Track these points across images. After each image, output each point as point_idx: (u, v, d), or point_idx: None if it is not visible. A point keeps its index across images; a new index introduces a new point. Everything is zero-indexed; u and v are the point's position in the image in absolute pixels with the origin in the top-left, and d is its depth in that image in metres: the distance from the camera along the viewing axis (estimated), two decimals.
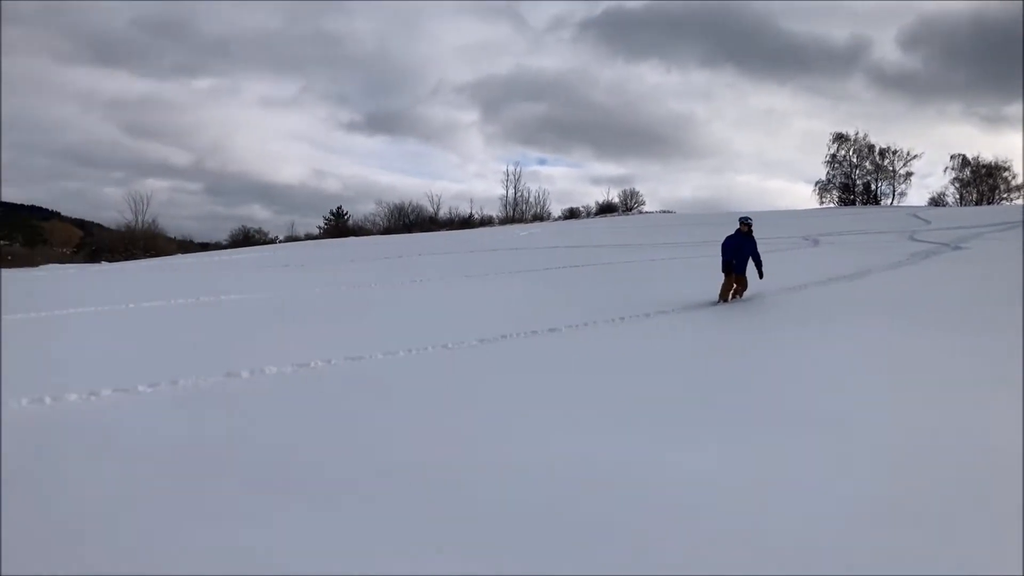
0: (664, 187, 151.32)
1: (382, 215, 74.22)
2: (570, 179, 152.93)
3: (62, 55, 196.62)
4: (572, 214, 75.53)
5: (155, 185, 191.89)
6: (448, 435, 5.87)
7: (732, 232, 13.69)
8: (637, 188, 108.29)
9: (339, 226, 72.96)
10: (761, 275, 13.60)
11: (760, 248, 13.71)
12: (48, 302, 15.93)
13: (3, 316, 13.70)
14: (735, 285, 13.36)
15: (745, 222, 13.66)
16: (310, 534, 3.99)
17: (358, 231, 67.89)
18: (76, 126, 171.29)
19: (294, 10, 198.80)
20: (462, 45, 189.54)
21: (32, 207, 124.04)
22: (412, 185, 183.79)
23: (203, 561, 3.69)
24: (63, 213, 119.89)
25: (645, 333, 10.82)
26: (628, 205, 77.40)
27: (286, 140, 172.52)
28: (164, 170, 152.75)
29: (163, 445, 5.65)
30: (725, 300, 13.33)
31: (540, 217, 74.29)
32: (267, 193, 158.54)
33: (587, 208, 78.16)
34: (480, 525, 4.12)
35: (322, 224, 76.62)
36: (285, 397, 7.27)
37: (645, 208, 76.05)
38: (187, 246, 67.64)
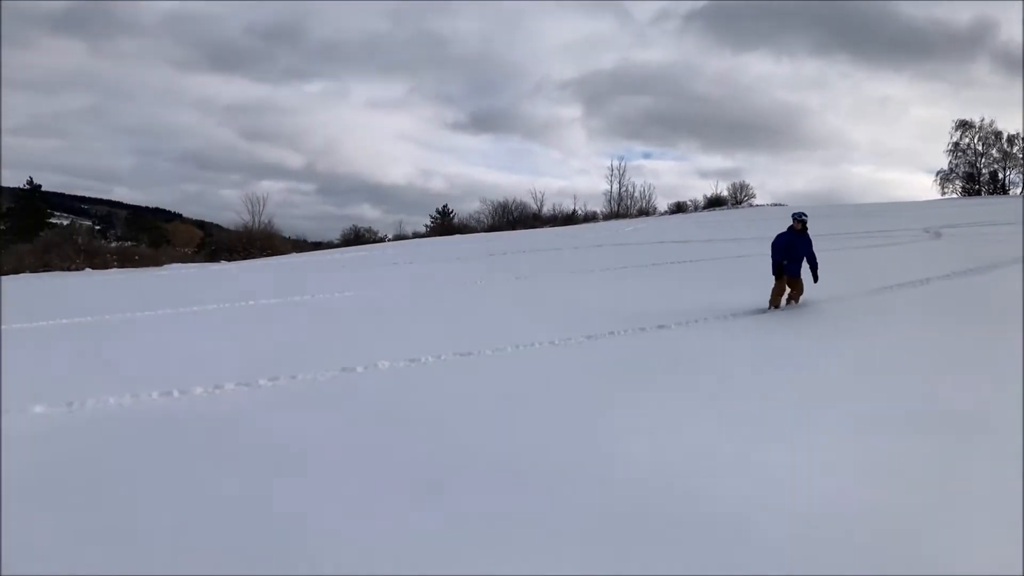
0: (774, 179, 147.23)
1: (486, 213, 74.79)
2: (676, 173, 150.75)
3: (182, 63, 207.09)
4: (679, 208, 74.26)
5: (270, 187, 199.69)
6: (555, 432, 5.86)
7: (783, 230, 12.35)
8: (746, 181, 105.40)
9: (445, 224, 73.94)
10: (816, 278, 12.23)
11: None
12: (174, 300, 16.75)
13: (134, 313, 14.47)
14: (789, 290, 12.10)
15: (799, 219, 12.26)
16: (428, 528, 4.04)
17: (463, 229, 68.62)
18: (196, 131, 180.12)
19: (400, 12, 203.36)
20: (565, 41, 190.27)
21: (156, 209, 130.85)
22: (515, 182, 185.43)
23: (319, 552, 3.79)
24: (184, 215, 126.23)
25: (756, 330, 10.54)
26: (737, 198, 75.63)
27: (393, 141, 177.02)
28: (278, 172, 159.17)
29: (284, 437, 5.84)
30: (776, 306, 11.98)
31: (646, 212, 73.39)
32: (376, 193, 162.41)
33: (695, 202, 76.73)
34: (599, 524, 4.09)
35: (428, 222, 77.87)
36: (399, 391, 7.42)
37: (755, 201, 74.11)
38: (301, 245, 69.76)
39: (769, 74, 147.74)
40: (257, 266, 35.94)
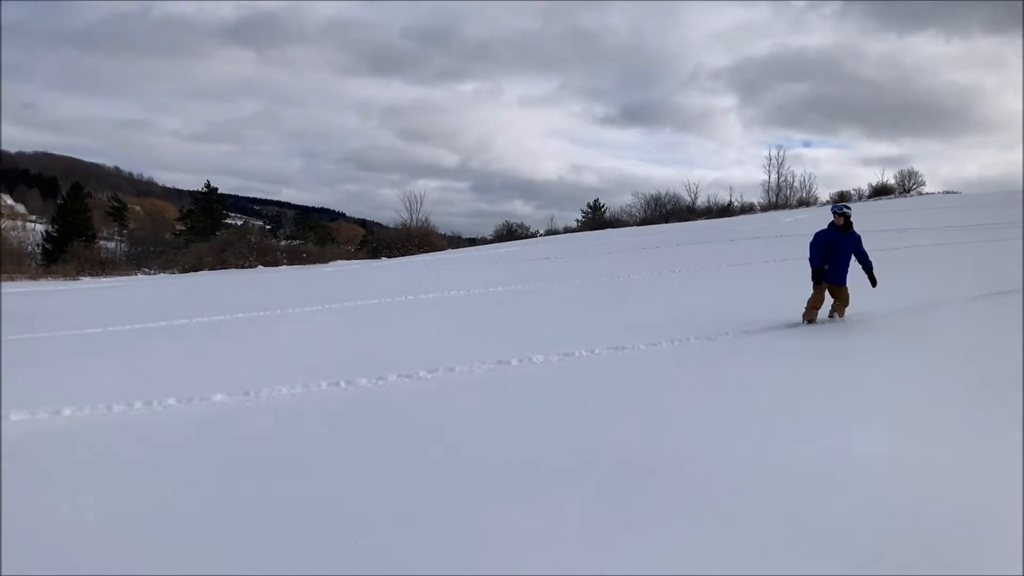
0: (946, 166, 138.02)
1: (638, 206, 73.84)
2: (838, 161, 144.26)
3: (343, 68, 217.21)
4: (842, 198, 70.72)
5: (427, 185, 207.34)
6: (713, 428, 5.75)
7: (825, 227, 10.33)
8: (915, 168, 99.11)
9: (596, 218, 73.69)
10: (873, 282, 10.26)
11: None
12: (339, 295, 17.57)
13: (303, 308, 15.29)
14: (834, 300, 10.14)
15: (840, 212, 10.21)
16: (582, 521, 4.07)
17: (615, 223, 68.10)
18: (356, 133, 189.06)
19: (551, 10, 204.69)
20: (718, 29, 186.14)
21: (321, 209, 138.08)
22: (668, 175, 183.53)
23: (472, 540, 3.89)
24: (347, 214, 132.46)
25: (927, 327, 9.95)
26: (905, 187, 71.32)
27: (544, 137, 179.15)
28: (434, 171, 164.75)
29: (444, 424, 6.04)
30: (812, 320, 10.01)
31: (806, 202, 70.40)
32: (528, 189, 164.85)
33: (859, 191, 72.88)
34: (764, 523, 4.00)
35: (580, 217, 77.85)
36: (553, 384, 7.49)
37: (925, 189, 69.66)
38: (455, 242, 71.34)
39: (939, 55, 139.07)
40: (415, 262, 37.11)
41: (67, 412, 6.73)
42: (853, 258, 10.24)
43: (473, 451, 5.35)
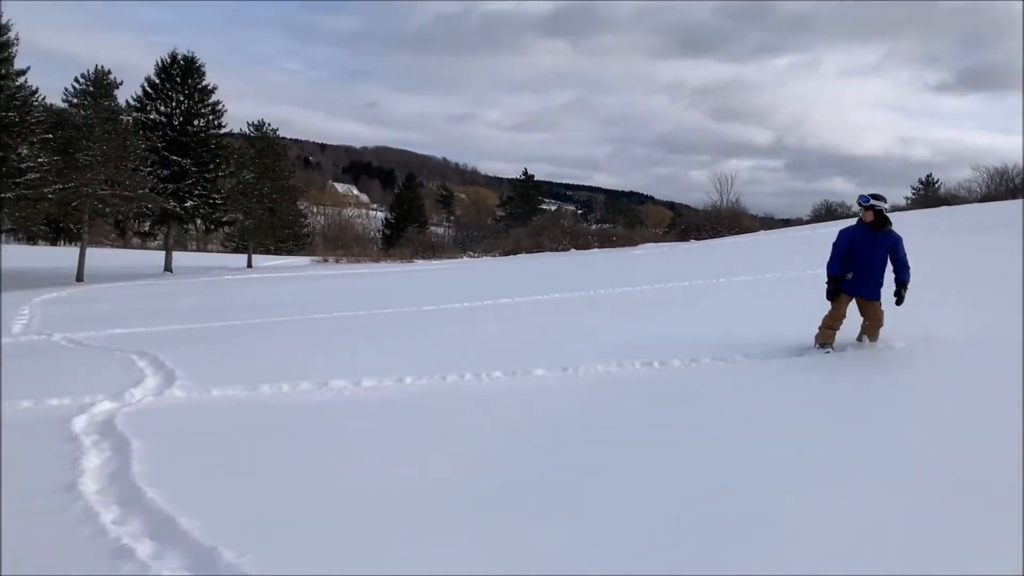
0: None
1: (979, 181, 66.31)
2: None
3: (654, 52, 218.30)
4: None
5: (737, 165, 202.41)
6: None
7: (853, 224, 8.01)
8: None
9: (929, 195, 67.45)
10: (900, 298, 7.71)
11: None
12: (650, 276, 17.77)
13: (618, 288, 15.65)
14: (863, 319, 7.87)
15: (868, 205, 7.67)
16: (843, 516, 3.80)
17: (951, 200, 61.87)
18: (666, 116, 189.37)
19: None
20: None
21: (630, 193, 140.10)
22: (1016, 145, 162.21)
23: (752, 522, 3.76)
24: (656, 197, 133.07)
25: None
26: None
27: (867, 109, 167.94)
28: (746, 150, 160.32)
29: (755, 408, 5.91)
30: (824, 344, 7.76)
31: None
32: (848, 165, 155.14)
33: None
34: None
35: (909, 194, 71.71)
36: (872, 374, 7.05)
37: None
38: (768, 223, 68.88)
39: None
40: (726, 245, 36.40)
41: (408, 380, 7.49)
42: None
43: (779, 437, 5.17)
